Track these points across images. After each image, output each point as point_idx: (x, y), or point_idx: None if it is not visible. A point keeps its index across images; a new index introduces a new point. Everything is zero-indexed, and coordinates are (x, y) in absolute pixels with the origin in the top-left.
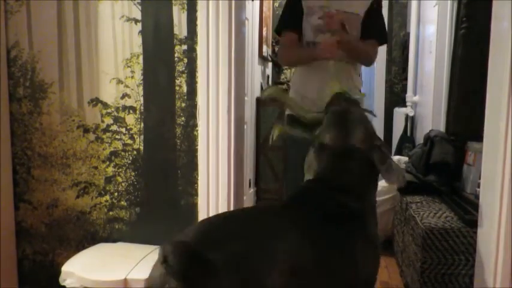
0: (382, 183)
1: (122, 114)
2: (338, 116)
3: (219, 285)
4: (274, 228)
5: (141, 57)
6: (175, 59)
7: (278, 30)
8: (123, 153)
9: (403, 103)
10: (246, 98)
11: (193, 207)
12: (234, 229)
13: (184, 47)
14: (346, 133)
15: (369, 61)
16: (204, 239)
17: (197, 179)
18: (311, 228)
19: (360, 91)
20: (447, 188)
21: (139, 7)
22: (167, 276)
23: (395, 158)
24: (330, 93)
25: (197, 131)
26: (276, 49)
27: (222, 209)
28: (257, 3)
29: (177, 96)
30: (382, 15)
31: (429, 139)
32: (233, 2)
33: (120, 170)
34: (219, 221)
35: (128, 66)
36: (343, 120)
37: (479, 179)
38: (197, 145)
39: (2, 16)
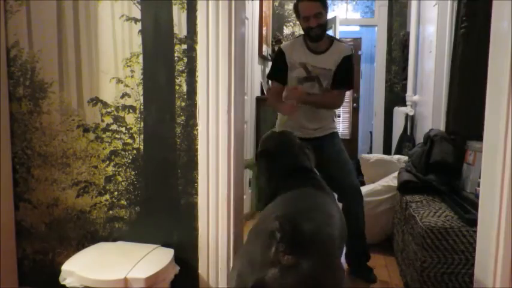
0: (381, 183)
1: (121, 114)
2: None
3: (311, 247)
4: (325, 201)
5: (140, 57)
6: (175, 58)
7: (268, 78)
8: (123, 152)
9: (403, 102)
10: (246, 98)
11: (193, 207)
12: (309, 205)
13: (184, 46)
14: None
15: (334, 107)
16: (296, 214)
17: (197, 179)
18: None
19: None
20: (447, 187)
21: (139, 6)
22: (278, 244)
23: (396, 157)
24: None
25: (197, 130)
26: (276, 48)
27: (222, 208)
28: (257, 3)
29: (177, 95)
30: (351, 66)
31: (429, 138)
32: (233, 1)
33: (120, 169)
34: (295, 199)
35: (128, 66)
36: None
37: (479, 178)
38: (197, 144)
39: (2, 16)
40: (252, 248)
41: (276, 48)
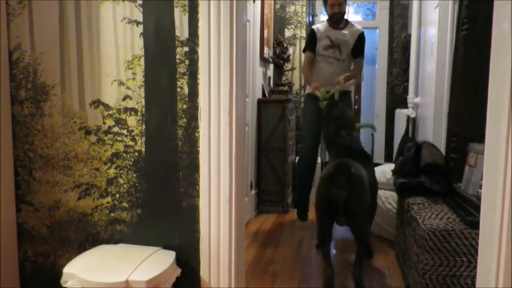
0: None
1: (123, 116)
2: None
3: (354, 182)
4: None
5: (142, 59)
6: (177, 60)
7: (304, 50)
8: (124, 154)
9: (404, 104)
10: (247, 100)
11: (194, 209)
12: (350, 161)
13: (186, 48)
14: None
15: (360, 72)
16: (347, 162)
17: (199, 181)
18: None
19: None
20: (440, 186)
21: (141, 9)
22: (337, 178)
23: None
24: (335, 88)
25: (198, 132)
26: (277, 51)
27: (224, 210)
28: (258, 5)
29: (178, 97)
30: (363, 40)
31: (416, 145)
32: (234, 3)
33: (122, 171)
34: (345, 160)
35: (130, 68)
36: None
37: (481, 180)
38: (199, 147)
39: (4, 18)
40: (324, 174)
41: (277, 50)
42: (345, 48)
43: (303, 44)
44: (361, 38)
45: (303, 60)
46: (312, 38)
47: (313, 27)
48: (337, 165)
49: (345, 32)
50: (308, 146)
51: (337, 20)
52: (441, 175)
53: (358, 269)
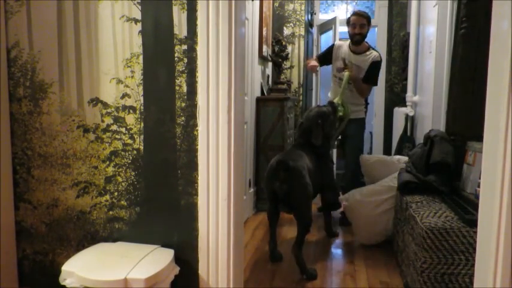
0: (381, 184)
1: (122, 114)
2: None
3: (292, 175)
4: (303, 156)
5: (141, 57)
6: (176, 58)
7: (317, 57)
8: (123, 153)
9: (403, 103)
10: (246, 98)
11: (193, 207)
12: (291, 155)
13: (185, 46)
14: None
15: (362, 94)
16: (286, 158)
17: (197, 179)
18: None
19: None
20: (447, 188)
21: (139, 7)
22: (277, 173)
23: (396, 157)
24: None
25: (197, 130)
26: (276, 49)
27: (222, 209)
28: (257, 3)
29: (177, 96)
30: (378, 68)
31: (429, 139)
32: (233, 1)
33: (120, 169)
34: (286, 153)
35: (128, 66)
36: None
37: (480, 178)
38: (197, 145)
39: (2, 16)
40: (268, 168)
41: (276, 48)
42: (358, 73)
43: (302, 42)
44: (373, 66)
45: (301, 58)
46: (328, 51)
47: (335, 43)
48: (278, 162)
49: (362, 57)
50: None
51: (356, 41)
52: (449, 174)
53: (296, 248)
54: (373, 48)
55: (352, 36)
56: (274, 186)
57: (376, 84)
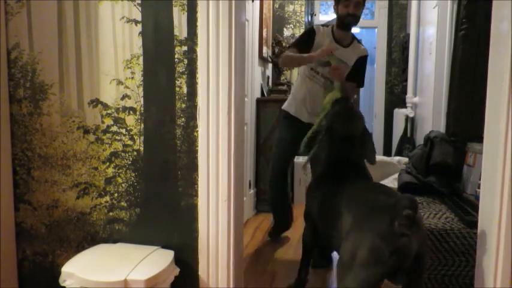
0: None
1: (122, 115)
2: (346, 110)
3: (419, 223)
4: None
5: (141, 58)
6: (176, 60)
7: (292, 46)
8: (123, 154)
9: (403, 104)
10: (246, 99)
11: (193, 208)
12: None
13: (185, 48)
14: (350, 122)
15: (349, 95)
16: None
17: (197, 180)
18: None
19: None
20: (447, 189)
21: (140, 8)
22: (400, 219)
23: (396, 158)
24: (331, 98)
25: (197, 132)
26: (276, 50)
27: (222, 210)
28: (257, 4)
29: (177, 97)
30: (364, 66)
31: (429, 140)
32: (233, 3)
33: (120, 170)
34: (384, 191)
35: (128, 67)
36: (349, 114)
37: (480, 180)
38: (197, 146)
39: (2, 17)
40: (376, 225)
41: (276, 49)
42: (344, 73)
43: None
44: (360, 62)
45: None
46: (308, 38)
47: (315, 27)
48: (411, 201)
49: (346, 51)
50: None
51: (347, 24)
52: (449, 175)
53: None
54: (358, 40)
55: (342, 17)
56: (400, 242)
57: (363, 85)
